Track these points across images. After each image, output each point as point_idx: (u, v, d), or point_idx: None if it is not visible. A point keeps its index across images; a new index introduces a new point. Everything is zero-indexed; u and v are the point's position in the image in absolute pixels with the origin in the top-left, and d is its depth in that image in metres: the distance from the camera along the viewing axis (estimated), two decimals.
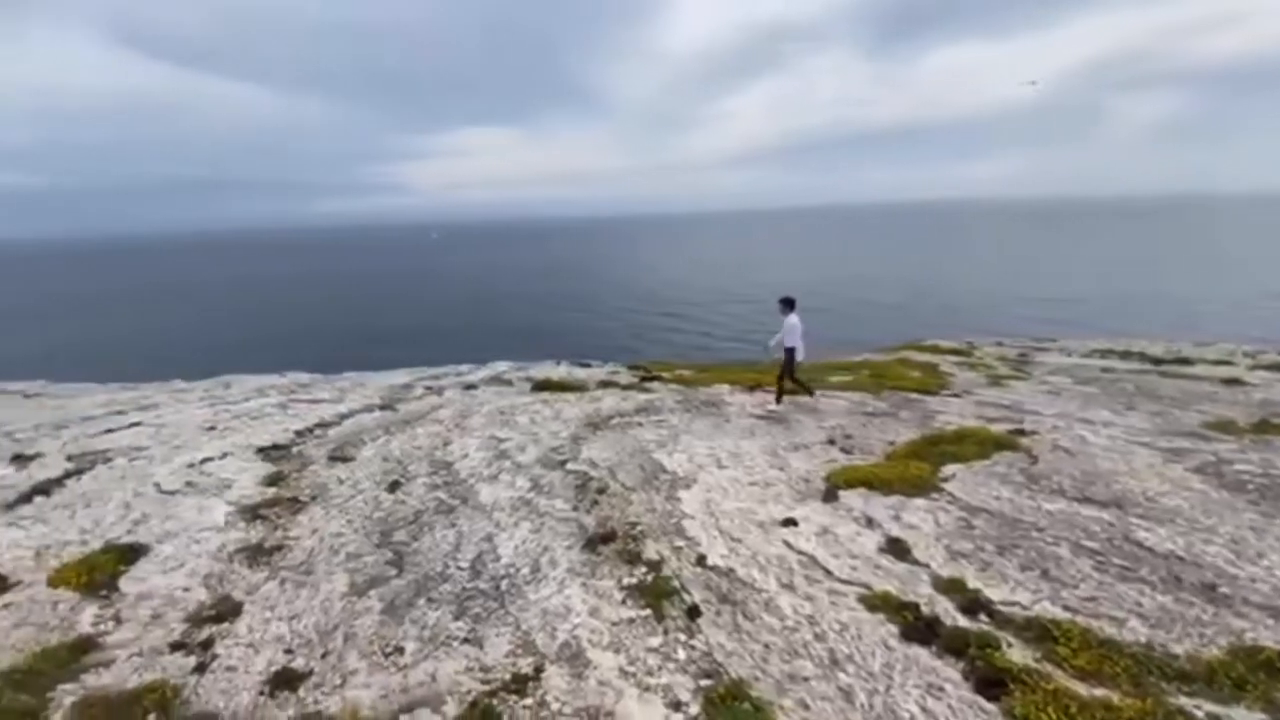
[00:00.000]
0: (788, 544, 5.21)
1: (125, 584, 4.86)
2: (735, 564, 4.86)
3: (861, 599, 4.39)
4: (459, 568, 4.98)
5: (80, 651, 4.11)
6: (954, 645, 3.80)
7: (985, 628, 3.99)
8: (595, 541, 5.35)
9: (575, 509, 6.03)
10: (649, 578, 4.71)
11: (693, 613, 4.25)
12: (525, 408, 9.98)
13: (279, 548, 5.45)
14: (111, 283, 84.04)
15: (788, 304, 9.52)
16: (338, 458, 7.73)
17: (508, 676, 3.67)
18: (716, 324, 40.63)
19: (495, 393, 12.03)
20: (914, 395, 10.58)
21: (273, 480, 6.99)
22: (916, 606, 4.25)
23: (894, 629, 4.03)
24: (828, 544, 5.17)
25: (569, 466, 7.20)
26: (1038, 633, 3.88)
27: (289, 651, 3.97)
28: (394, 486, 6.79)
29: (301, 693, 3.59)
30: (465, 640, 4.04)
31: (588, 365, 15.23)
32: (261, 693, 3.59)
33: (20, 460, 7.91)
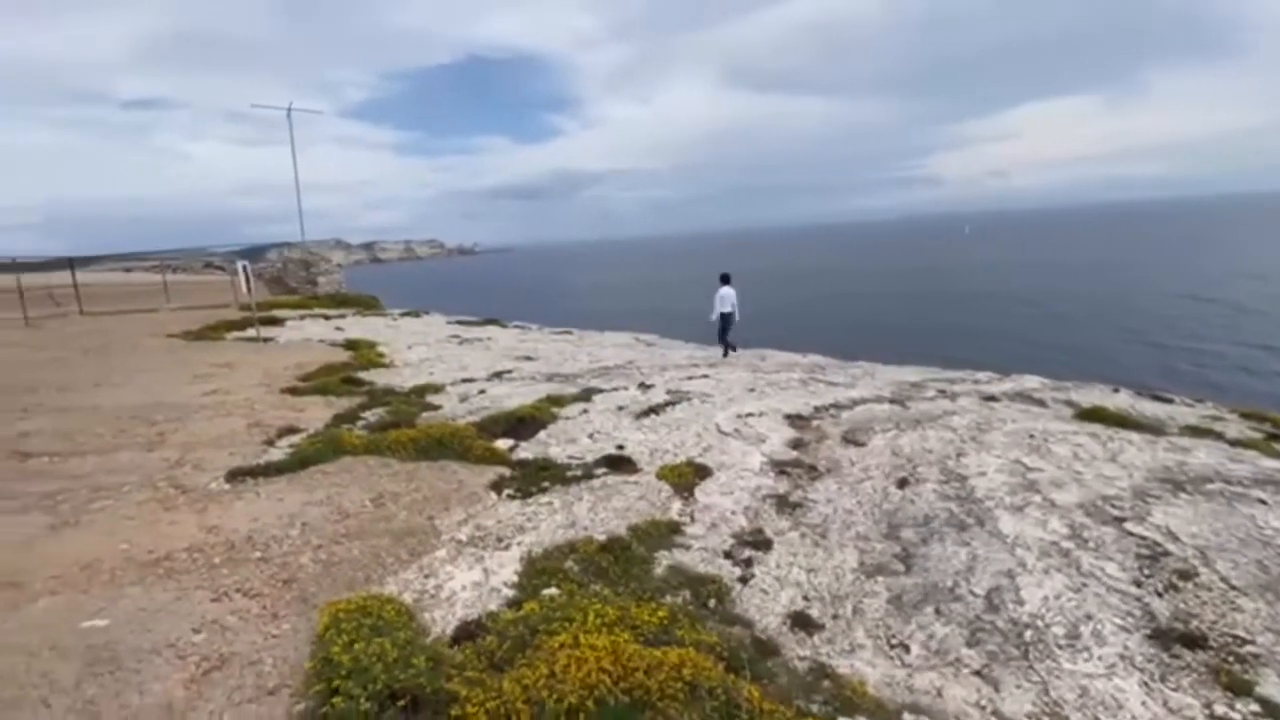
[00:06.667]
0: None
1: (698, 493, 6.49)
2: None
3: None
4: (972, 592, 4.59)
5: (671, 531, 5.72)
6: None
7: None
8: (1169, 637, 4.03)
9: (1138, 584, 4.67)
10: None
11: None
12: (1065, 437, 8.28)
13: (799, 505, 6.23)
14: (687, 268, 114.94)
15: (723, 279, 14.19)
16: (850, 440, 8.23)
17: None
18: None
19: (1021, 410, 10.44)
20: None
21: (794, 445, 8.01)
22: None
23: None
24: None
25: (1129, 527, 5.61)
26: None
27: (806, 599, 4.52)
28: (902, 483, 6.76)
29: (816, 641, 4.04)
30: (977, 674, 3.71)
31: (1166, 400, 11.47)
32: (784, 623, 4.22)
33: (642, 387, 11.51)
